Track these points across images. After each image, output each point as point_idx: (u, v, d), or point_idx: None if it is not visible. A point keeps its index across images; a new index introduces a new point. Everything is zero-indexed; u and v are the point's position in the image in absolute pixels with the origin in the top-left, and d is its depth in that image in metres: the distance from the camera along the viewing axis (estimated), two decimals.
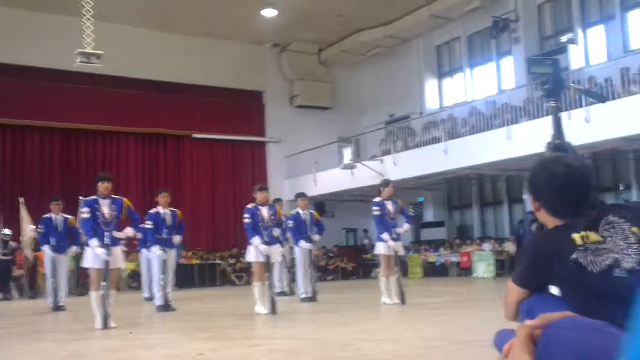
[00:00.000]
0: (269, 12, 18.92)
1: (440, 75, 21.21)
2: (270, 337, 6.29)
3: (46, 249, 10.98)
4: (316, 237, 10.74)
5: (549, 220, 2.03)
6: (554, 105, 3.02)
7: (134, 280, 16.81)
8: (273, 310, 8.32)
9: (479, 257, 17.45)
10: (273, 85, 21.92)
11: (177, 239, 10.03)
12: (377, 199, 9.53)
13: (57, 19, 17.43)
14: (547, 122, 10.15)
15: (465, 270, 17.97)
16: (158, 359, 4.89)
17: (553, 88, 2.98)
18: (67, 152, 18.75)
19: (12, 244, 15.09)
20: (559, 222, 1.97)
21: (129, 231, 7.89)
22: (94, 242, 7.43)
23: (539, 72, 2.98)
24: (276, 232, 8.90)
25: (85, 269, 7.65)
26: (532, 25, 17.68)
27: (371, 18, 19.73)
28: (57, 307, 10.68)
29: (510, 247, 16.87)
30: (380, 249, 9.36)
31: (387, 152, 19.15)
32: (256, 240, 8.63)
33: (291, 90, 22.28)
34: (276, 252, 9.05)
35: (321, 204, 20.37)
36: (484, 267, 17.16)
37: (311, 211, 10.99)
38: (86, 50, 12.53)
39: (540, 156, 2.49)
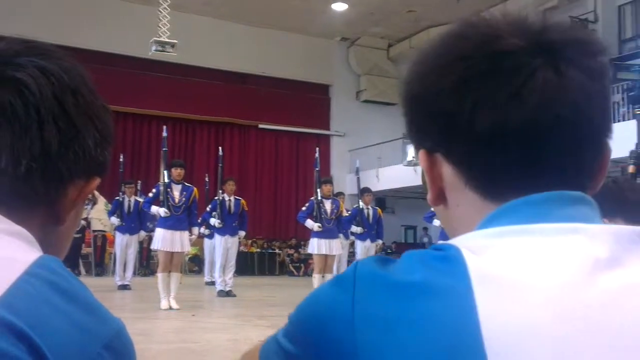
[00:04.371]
0: (339, 6, 18.93)
1: None
2: None
3: (117, 231, 11.42)
4: (379, 242, 10.88)
5: None
6: (639, 112, 2.92)
7: (195, 264, 17.22)
8: None
9: None
10: (340, 80, 21.94)
11: (242, 234, 10.28)
12: None
13: (133, 7, 17.98)
14: (622, 128, 9.73)
15: None
16: (221, 343, 5.02)
17: (639, 95, 2.89)
18: (139, 137, 19.32)
19: (82, 222, 15.69)
20: None
21: (195, 231, 8.29)
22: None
23: (625, 79, 2.89)
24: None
25: (150, 251, 8.05)
26: (611, 27, 17.04)
27: (442, 15, 19.42)
28: (123, 286, 11.07)
29: None
30: None
31: None
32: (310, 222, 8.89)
33: (358, 85, 22.24)
34: (337, 245, 9.12)
35: (382, 199, 20.30)
36: None
37: (375, 208, 10.98)
38: (161, 39, 12.86)
39: (620, 163, 2.43)
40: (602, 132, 0.61)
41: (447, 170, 0.63)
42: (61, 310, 0.54)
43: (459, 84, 0.59)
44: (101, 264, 15.89)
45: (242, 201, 10.34)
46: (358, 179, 11.88)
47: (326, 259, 8.83)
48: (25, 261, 0.56)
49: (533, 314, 0.50)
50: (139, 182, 14.51)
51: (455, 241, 0.57)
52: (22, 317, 0.51)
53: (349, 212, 10.69)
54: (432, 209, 0.69)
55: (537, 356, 0.49)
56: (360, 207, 10.66)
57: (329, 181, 9.48)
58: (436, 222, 9.43)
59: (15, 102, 0.61)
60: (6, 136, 0.60)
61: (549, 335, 0.50)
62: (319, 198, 8.99)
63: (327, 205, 9.01)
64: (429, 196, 0.66)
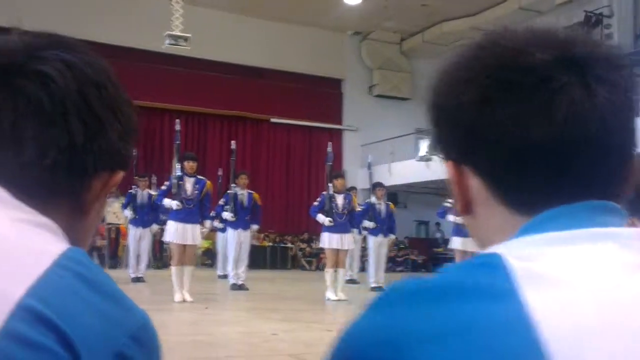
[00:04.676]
0: (352, 0, 18.87)
1: None
2: (342, 323, 6.36)
3: (130, 224, 11.50)
4: (392, 237, 10.97)
5: None
6: None
7: (207, 257, 17.29)
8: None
9: None
10: (352, 74, 21.89)
11: (254, 227, 10.31)
12: None
13: (146, 0, 18.02)
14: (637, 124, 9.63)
15: None
16: (233, 335, 5.05)
17: None
18: (152, 131, 19.39)
19: None
20: None
21: (208, 224, 8.31)
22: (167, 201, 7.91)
23: None
24: None
25: (163, 244, 8.14)
26: (626, 22, 16.87)
27: (456, 9, 19.33)
28: (136, 279, 11.14)
29: None
30: (456, 243, 9.26)
31: None
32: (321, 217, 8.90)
33: (370, 79, 22.18)
34: (349, 240, 9.13)
35: (394, 194, 20.25)
36: None
37: (388, 202, 10.97)
38: (175, 33, 12.89)
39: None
40: (627, 144, 0.62)
41: (475, 182, 0.64)
42: (89, 301, 0.55)
43: (483, 97, 0.60)
44: (115, 257, 16.01)
45: (255, 195, 10.36)
46: (370, 173, 11.88)
47: (338, 253, 8.84)
48: (53, 253, 0.57)
49: (587, 316, 0.50)
50: (154, 175, 14.56)
51: (492, 249, 0.57)
52: (51, 307, 0.52)
53: (362, 207, 10.68)
54: (461, 217, 0.70)
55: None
56: (373, 202, 10.66)
57: (341, 175, 9.49)
58: (450, 218, 9.42)
59: (40, 94, 0.61)
60: (31, 128, 0.61)
61: (602, 340, 0.49)
62: (331, 193, 8.99)
63: (339, 199, 9.01)
64: (457, 206, 0.68)
